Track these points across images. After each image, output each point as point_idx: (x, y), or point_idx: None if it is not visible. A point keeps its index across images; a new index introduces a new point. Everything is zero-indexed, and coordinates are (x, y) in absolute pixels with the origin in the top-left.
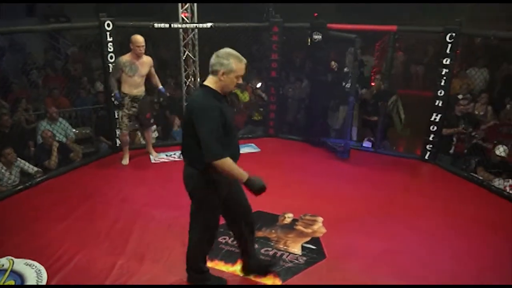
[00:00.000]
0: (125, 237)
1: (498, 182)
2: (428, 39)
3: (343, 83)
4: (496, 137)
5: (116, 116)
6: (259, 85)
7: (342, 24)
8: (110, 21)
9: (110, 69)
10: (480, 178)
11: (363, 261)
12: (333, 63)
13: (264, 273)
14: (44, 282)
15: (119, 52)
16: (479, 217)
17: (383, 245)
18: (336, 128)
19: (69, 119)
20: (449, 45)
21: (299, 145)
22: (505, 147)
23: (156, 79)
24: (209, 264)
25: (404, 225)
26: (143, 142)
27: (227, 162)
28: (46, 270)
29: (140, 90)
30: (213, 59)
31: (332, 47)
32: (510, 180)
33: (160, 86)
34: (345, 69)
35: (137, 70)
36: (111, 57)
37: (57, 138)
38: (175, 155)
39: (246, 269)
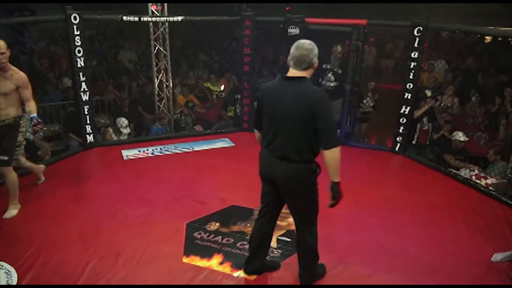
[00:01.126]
0: (97, 236)
1: (464, 172)
2: (399, 33)
3: (319, 79)
4: (462, 128)
5: None
6: (222, 87)
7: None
8: (77, 14)
9: (78, 64)
10: (448, 169)
11: (335, 251)
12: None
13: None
14: (14, 283)
15: (88, 46)
16: (445, 206)
17: (353, 235)
18: None
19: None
20: (417, 38)
21: None
22: (462, 132)
23: (30, 105)
24: (185, 259)
25: (372, 215)
26: (115, 138)
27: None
28: (16, 271)
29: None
30: (302, 52)
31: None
32: (475, 169)
33: (33, 114)
34: (324, 66)
35: None
36: (79, 51)
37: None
38: (148, 151)
39: (249, 269)
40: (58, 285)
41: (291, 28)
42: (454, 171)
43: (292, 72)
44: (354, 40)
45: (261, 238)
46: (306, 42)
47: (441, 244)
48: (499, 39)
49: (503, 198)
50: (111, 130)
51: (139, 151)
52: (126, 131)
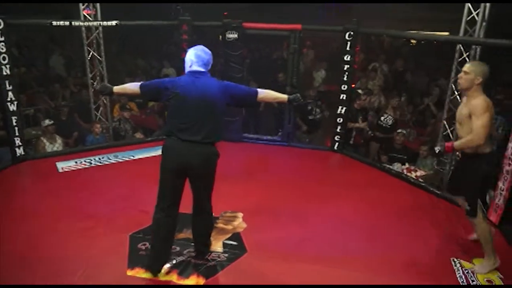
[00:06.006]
0: (36, 255)
1: (396, 166)
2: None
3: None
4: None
5: None
6: None
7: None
8: (1, 19)
9: (4, 72)
10: (383, 164)
11: (283, 251)
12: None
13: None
14: None
15: (15, 53)
16: (382, 198)
17: (300, 234)
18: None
19: None
20: (349, 42)
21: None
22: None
23: None
24: (129, 272)
25: (318, 213)
26: (48, 150)
27: None
28: None
29: None
30: (210, 56)
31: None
32: (406, 164)
33: None
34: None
35: None
36: (4, 58)
37: None
38: (85, 162)
39: (158, 267)
40: (58, 285)
41: (229, 33)
42: (388, 166)
43: (199, 69)
44: (292, 43)
45: (171, 234)
46: (206, 48)
47: (378, 234)
48: (422, 42)
49: (431, 188)
50: (44, 140)
51: (76, 162)
52: (55, 147)
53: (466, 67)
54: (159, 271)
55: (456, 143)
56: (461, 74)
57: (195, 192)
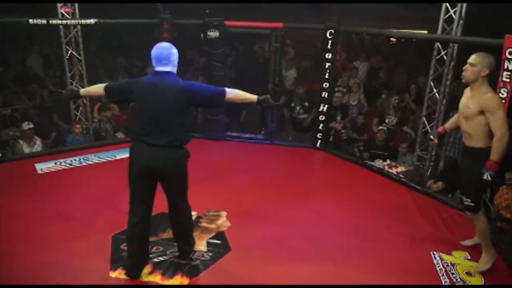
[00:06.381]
0: (19, 259)
1: (378, 163)
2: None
3: None
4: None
5: None
6: None
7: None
8: None
9: None
10: (365, 161)
11: (267, 249)
12: None
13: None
14: None
15: None
16: (364, 195)
17: (284, 231)
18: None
19: None
20: (330, 41)
21: (198, 142)
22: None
23: None
24: (112, 274)
25: (301, 210)
26: (26, 151)
27: None
28: None
29: None
30: (173, 53)
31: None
32: (387, 160)
33: None
34: None
35: None
36: None
37: None
38: (65, 163)
39: (138, 273)
40: (57, 285)
41: (210, 31)
42: (369, 162)
43: (161, 68)
44: (273, 42)
45: (146, 238)
46: (167, 44)
47: (360, 230)
48: (402, 40)
49: (411, 184)
50: (21, 142)
51: (56, 163)
52: (35, 148)
53: (472, 58)
54: (139, 276)
55: (494, 156)
56: (467, 66)
57: (168, 194)
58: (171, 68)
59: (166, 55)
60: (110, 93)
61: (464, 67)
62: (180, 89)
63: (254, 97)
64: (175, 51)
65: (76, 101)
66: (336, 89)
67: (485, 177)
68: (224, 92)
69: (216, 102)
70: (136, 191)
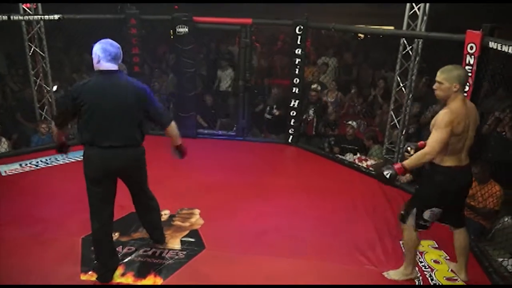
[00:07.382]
0: None
1: (348, 157)
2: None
3: None
4: (346, 118)
5: None
6: None
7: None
8: None
9: None
10: (335, 155)
11: (241, 245)
12: None
13: None
14: None
15: None
16: (335, 188)
17: (258, 227)
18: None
19: None
20: (299, 36)
21: (170, 140)
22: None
23: None
24: (83, 277)
25: (273, 206)
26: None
27: None
28: None
29: None
30: (118, 48)
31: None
32: (358, 154)
33: None
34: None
35: None
36: None
37: None
38: (31, 164)
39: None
40: (57, 285)
41: (180, 27)
42: (340, 156)
43: (108, 66)
44: (243, 37)
45: (111, 241)
46: (113, 41)
47: (332, 223)
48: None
49: None
50: None
51: (21, 165)
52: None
53: (438, 76)
54: (111, 279)
55: (406, 162)
56: (436, 85)
57: (131, 188)
58: (120, 66)
59: (115, 53)
60: (59, 115)
61: (434, 86)
62: (135, 91)
63: (177, 141)
64: (120, 50)
65: (41, 100)
66: (313, 86)
67: (385, 173)
68: (168, 123)
69: (162, 121)
70: (97, 195)
